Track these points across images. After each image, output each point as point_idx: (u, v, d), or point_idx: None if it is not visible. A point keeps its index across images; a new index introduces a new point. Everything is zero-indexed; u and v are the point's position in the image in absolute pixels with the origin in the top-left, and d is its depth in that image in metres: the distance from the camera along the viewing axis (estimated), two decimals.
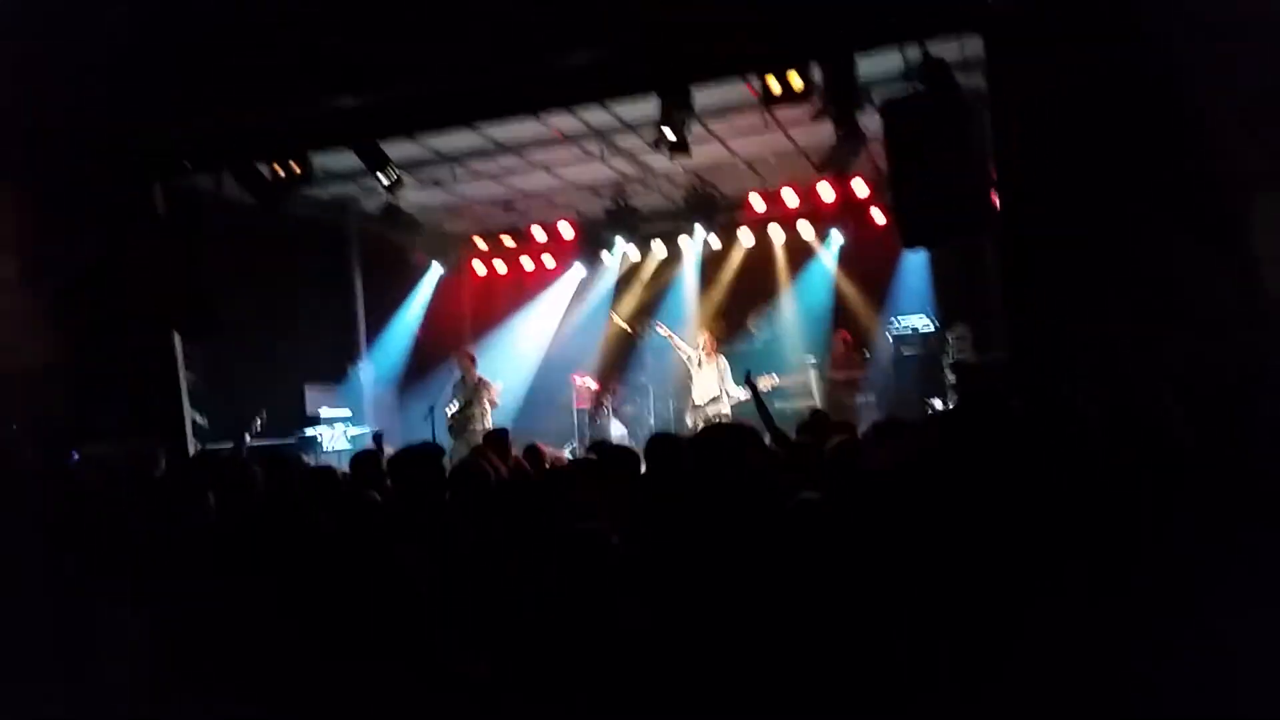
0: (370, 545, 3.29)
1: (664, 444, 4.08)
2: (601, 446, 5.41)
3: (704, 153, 10.52)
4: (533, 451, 6.24)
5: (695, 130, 8.92)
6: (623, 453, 4.60)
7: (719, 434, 3.04)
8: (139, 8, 7.00)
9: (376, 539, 3.37)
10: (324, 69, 7.28)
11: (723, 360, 11.18)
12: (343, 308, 12.72)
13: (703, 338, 11.34)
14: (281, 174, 8.78)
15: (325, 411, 11.61)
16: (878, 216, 11.64)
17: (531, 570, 2.55)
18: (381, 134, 8.70)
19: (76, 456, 7.71)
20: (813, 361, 12.00)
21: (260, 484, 4.51)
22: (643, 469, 4.14)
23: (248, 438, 8.17)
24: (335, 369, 12.41)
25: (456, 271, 14.27)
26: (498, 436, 6.51)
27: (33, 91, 6.84)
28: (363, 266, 12.87)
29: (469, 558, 3.13)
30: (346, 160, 9.58)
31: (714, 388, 10.93)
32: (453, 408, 10.88)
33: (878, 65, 8.04)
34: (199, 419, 9.58)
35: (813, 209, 12.10)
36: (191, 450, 9.09)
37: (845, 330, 11.91)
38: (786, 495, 2.95)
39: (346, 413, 11.89)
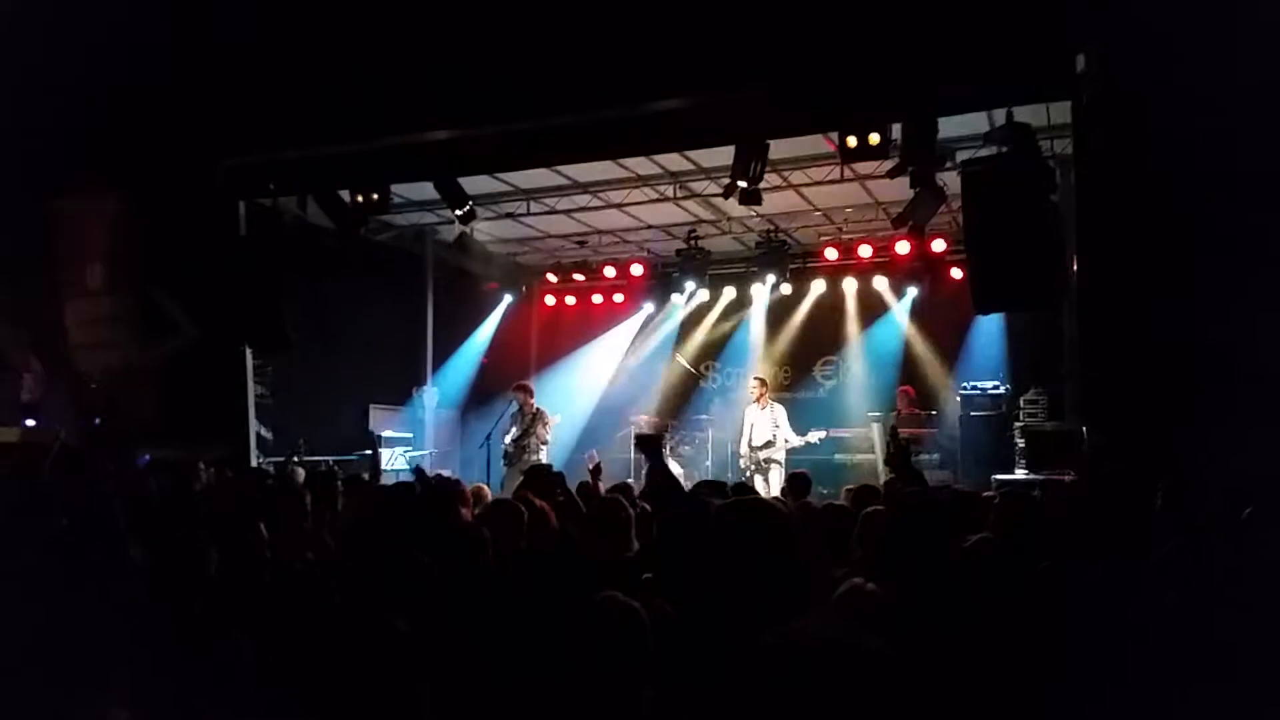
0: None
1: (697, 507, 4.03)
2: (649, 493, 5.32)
3: (779, 200, 10.47)
4: (587, 488, 6.20)
5: (771, 178, 8.91)
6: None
7: (744, 510, 2.91)
8: (238, 38, 7.25)
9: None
10: (411, 105, 7.42)
11: (778, 407, 11.06)
12: (412, 332, 12.90)
13: (755, 385, 11.21)
14: (360, 200, 9.01)
15: (388, 432, 11.77)
16: (955, 274, 11.41)
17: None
18: (463, 170, 8.86)
19: (147, 458, 7.94)
20: (876, 415, 11.79)
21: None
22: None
23: (294, 459, 8.35)
24: (401, 392, 12.59)
25: (526, 303, 14.40)
26: (542, 473, 6.41)
27: (131, 109, 7.13)
28: (435, 293, 13.05)
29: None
30: (424, 189, 9.78)
31: (766, 432, 10.83)
32: (510, 436, 10.90)
33: (961, 124, 7.92)
34: (264, 432, 9.79)
35: (888, 263, 11.94)
36: (254, 461, 9.28)
37: (909, 386, 11.67)
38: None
39: (408, 435, 12.03)
